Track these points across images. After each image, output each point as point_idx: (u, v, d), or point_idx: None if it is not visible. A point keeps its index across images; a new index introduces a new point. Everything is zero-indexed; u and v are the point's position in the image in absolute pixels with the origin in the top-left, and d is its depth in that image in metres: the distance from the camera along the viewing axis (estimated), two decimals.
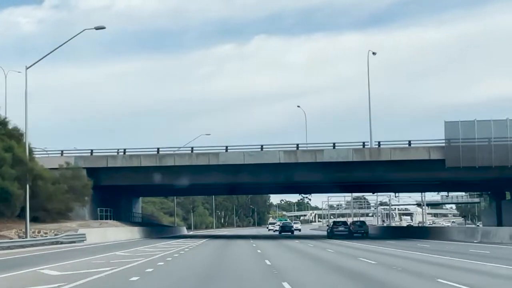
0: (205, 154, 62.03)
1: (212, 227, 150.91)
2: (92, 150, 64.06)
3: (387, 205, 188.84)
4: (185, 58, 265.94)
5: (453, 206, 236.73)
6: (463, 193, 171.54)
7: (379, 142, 59.92)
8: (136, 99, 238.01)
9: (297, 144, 61.41)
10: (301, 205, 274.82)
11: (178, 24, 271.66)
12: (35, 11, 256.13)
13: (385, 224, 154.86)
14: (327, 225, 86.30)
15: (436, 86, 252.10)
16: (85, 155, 64.08)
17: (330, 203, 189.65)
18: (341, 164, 60.13)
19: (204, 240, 60.97)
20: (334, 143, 60.37)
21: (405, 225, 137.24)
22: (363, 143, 60.05)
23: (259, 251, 37.03)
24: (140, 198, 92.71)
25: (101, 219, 63.15)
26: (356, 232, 73.93)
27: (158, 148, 63.02)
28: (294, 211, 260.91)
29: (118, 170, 63.60)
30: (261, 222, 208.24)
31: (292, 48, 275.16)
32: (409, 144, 59.10)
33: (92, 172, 63.50)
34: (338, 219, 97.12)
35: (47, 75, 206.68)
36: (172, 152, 63.01)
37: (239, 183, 67.98)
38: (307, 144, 62.14)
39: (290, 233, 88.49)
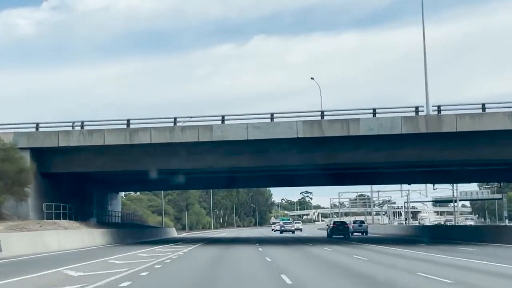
0: (194, 127, 43.03)
1: (209, 228, 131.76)
2: (37, 124, 45.02)
3: (394, 203, 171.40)
4: (185, 58, 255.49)
5: (460, 204, 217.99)
6: (477, 189, 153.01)
7: (439, 107, 40.86)
8: (136, 100, 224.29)
9: (322, 112, 42.38)
10: (302, 204, 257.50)
11: (177, 24, 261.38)
12: (33, 13, 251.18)
13: (396, 223, 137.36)
14: (327, 225, 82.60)
15: (436, 85, 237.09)
16: (29, 130, 45.06)
17: (333, 202, 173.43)
18: (384, 139, 41.29)
19: (194, 246, 42.03)
20: (374, 109, 41.46)
21: (429, 224, 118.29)
22: (416, 108, 41.04)
23: (287, 280, 17.82)
24: (120, 194, 73.69)
25: (51, 218, 44.10)
26: (356, 231, 75.64)
27: (128, 120, 44.04)
28: (297, 210, 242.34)
29: (74, 151, 44.77)
30: (262, 221, 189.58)
31: (291, 48, 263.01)
32: (483, 108, 40.08)
33: (40, 154, 44.80)
34: (337, 219, 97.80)
35: (48, 76, 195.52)
36: (147, 125, 43.96)
37: (240, 169, 48.59)
38: (335, 111, 42.96)
39: (291, 233, 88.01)
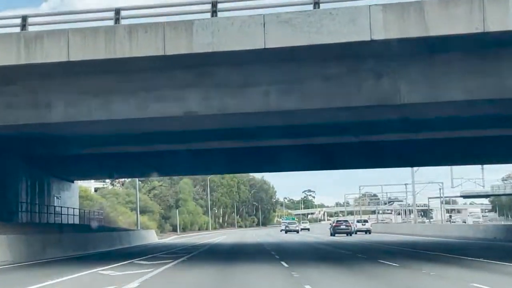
0: (155, 26, 19.85)
1: (207, 228, 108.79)
2: None
3: (400, 201, 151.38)
4: None
5: (467, 201, 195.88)
6: (499, 182, 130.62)
7: None
8: None
9: None
10: (306, 203, 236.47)
11: None
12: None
13: (413, 222, 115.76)
14: (330, 224, 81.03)
15: None
16: None
17: (336, 201, 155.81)
18: None
19: (158, 270, 18.97)
20: None
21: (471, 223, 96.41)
22: None
23: None
24: (76, 184, 50.40)
25: None
26: (360, 230, 74.16)
27: (24, 17, 20.83)
28: (301, 209, 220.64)
29: None
30: (266, 221, 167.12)
31: None
32: None
33: None
34: (340, 218, 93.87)
35: None
36: (62, 25, 20.78)
37: (249, 120, 24.65)
38: None
39: (295, 233, 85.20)
